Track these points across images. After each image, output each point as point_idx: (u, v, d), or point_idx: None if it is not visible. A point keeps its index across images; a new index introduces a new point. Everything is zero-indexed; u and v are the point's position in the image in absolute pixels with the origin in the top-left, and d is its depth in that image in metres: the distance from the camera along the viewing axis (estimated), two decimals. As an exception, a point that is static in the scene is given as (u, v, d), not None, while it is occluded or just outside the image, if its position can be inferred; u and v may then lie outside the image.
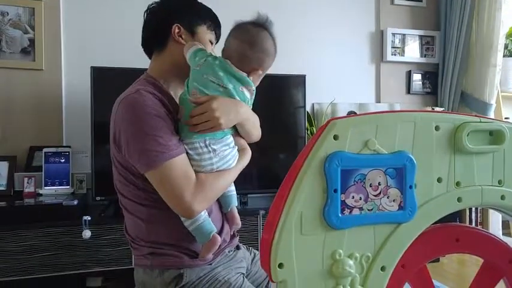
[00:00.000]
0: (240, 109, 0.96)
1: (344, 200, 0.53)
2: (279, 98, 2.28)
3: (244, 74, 0.95)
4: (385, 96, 3.00)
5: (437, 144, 0.59)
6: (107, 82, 1.83)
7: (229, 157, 0.97)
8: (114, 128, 0.94)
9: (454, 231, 0.66)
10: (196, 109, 0.91)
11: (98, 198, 1.84)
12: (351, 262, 0.54)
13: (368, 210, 0.54)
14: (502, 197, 0.62)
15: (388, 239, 0.56)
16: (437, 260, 2.43)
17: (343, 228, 0.54)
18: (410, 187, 0.56)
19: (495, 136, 0.61)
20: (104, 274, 1.82)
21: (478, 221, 2.84)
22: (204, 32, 1.04)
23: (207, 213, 0.97)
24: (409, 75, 3.06)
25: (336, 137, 0.53)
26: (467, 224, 2.74)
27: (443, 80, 3.02)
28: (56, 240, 1.75)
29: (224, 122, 0.91)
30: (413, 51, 3.05)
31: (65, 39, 2.24)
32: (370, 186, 0.54)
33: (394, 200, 0.56)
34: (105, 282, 1.87)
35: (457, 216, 2.59)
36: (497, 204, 0.62)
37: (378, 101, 2.98)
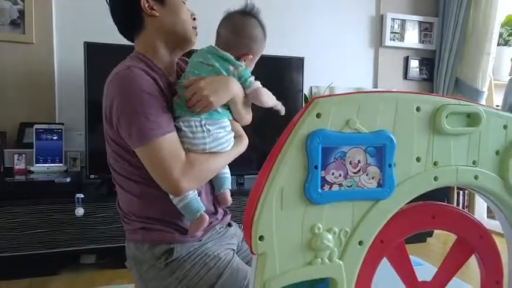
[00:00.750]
0: (230, 85, 0.98)
1: (324, 177, 0.55)
2: (277, 80, 2.28)
3: (231, 56, 0.99)
4: (382, 81, 3.01)
5: (418, 124, 0.60)
6: (101, 58, 1.80)
7: (223, 140, 0.98)
8: (106, 105, 0.95)
9: (431, 208, 0.69)
10: (186, 91, 0.95)
11: (92, 176, 1.86)
12: (330, 236, 0.56)
13: (347, 186, 0.57)
14: (476, 177, 0.64)
15: (366, 215, 0.58)
16: (424, 240, 2.49)
17: (323, 204, 0.56)
18: (390, 165, 0.58)
19: (472, 118, 0.63)
20: (97, 251, 1.84)
21: (465, 204, 2.90)
22: None
23: (196, 193, 0.99)
24: (406, 60, 3.06)
25: (318, 115, 0.55)
26: (454, 205, 2.80)
27: (439, 67, 3.03)
28: (48, 218, 1.76)
29: (214, 99, 0.94)
30: (412, 37, 3.04)
31: (57, 11, 2.18)
32: (350, 163, 0.56)
33: (373, 178, 0.58)
34: (98, 260, 1.90)
35: (444, 198, 2.65)
36: (471, 183, 0.64)
37: (375, 85, 2.99)
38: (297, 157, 0.54)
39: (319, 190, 0.55)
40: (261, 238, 0.53)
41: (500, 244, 0.73)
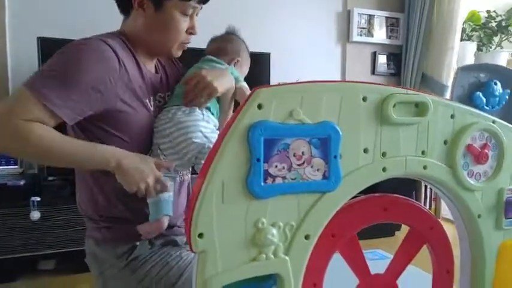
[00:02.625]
0: (228, 75, 1.03)
1: (267, 169, 0.53)
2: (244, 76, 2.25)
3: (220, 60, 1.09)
4: (351, 77, 3.04)
5: (364, 115, 0.59)
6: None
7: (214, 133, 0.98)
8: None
9: (382, 201, 0.68)
10: (190, 82, 0.97)
11: (51, 178, 1.78)
12: (274, 231, 0.54)
13: (291, 179, 0.55)
14: (425, 167, 0.64)
15: (312, 208, 0.57)
16: (393, 234, 2.54)
17: (266, 197, 0.54)
18: (335, 157, 0.57)
19: (420, 108, 0.63)
20: (56, 256, 1.77)
21: (433, 196, 2.98)
22: (173, 6, 0.92)
23: (171, 195, 0.95)
24: (374, 56, 3.10)
25: (260, 106, 0.53)
26: (422, 198, 2.87)
27: (406, 62, 3.09)
28: (2, 222, 1.67)
29: (218, 84, 0.97)
30: (379, 33, 3.09)
31: (9, 7, 2.09)
32: (294, 155, 0.55)
33: (318, 170, 0.56)
34: (58, 265, 1.82)
35: (413, 191, 2.71)
36: (420, 173, 0.64)
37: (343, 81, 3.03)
38: (239, 150, 0.52)
39: (262, 184, 0.53)
40: (200, 235, 0.51)
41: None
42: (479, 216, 0.70)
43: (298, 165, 0.55)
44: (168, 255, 0.97)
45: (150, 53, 1.00)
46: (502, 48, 3.20)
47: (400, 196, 0.71)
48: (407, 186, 2.47)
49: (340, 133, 0.57)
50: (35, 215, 1.63)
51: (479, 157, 0.68)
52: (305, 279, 0.63)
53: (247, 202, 0.53)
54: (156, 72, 1.05)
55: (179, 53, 1.01)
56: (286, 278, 0.55)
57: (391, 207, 0.68)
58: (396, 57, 3.15)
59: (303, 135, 0.55)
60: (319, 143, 0.56)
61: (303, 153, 0.55)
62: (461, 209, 0.71)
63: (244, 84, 1.09)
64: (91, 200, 0.97)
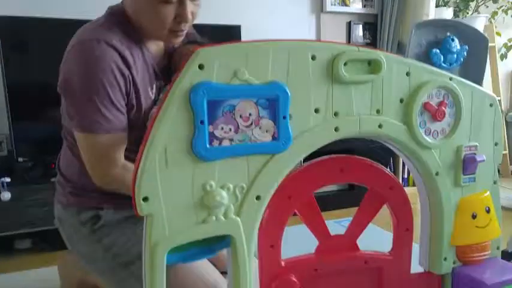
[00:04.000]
0: None
1: (212, 132, 0.52)
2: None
3: None
4: (328, 48, 3.00)
5: (314, 74, 0.58)
6: (18, 34, 1.64)
7: None
8: (62, 73, 0.87)
9: (339, 161, 0.68)
10: None
11: (20, 159, 1.73)
12: (224, 193, 0.54)
13: (239, 141, 0.54)
14: (380, 126, 0.63)
15: (262, 169, 0.56)
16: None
17: (213, 160, 0.53)
18: (284, 118, 0.56)
19: (373, 66, 0.62)
20: (32, 236, 1.76)
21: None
22: None
23: None
24: (349, 26, 3.06)
25: (201, 67, 0.51)
26: (400, 169, 2.90)
27: (381, 31, 3.06)
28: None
29: None
30: (353, 2, 3.03)
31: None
32: (241, 117, 0.53)
33: (267, 131, 0.55)
34: (36, 244, 1.81)
35: (390, 159, 2.73)
36: (375, 133, 0.63)
37: (320, 52, 2.99)
38: (181, 112, 0.51)
39: (208, 146, 0.52)
40: (145, 199, 0.50)
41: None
42: (437, 173, 0.71)
43: (246, 126, 0.54)
44: (136, 224, 0.96)
45: (147, 37, 0.93)
46: (479, 13, 3.19)
47: (358, 157, 0.70)
48: (383, 153, 2.48)
49: (289, 93, 0.56)
50: (6, 195, 1.62)
51: (436, 114, 0.68)
52: (262, 241, 0.63)
53: (193, 165, 0.52)
54: (165, 56, 1.00)
55: (176, 41, 0.93)
56: (238, 239, 0.55)
57: (348, 168, 0.68)
58: (372, 26, 3.12)
59: (249, 96, 0.53)
60: (267, 103, 0.54)
61: (250, 114, 0.54)
62: (419, 167, 0.71)
63: None
64: (69, 165, 0.98)
